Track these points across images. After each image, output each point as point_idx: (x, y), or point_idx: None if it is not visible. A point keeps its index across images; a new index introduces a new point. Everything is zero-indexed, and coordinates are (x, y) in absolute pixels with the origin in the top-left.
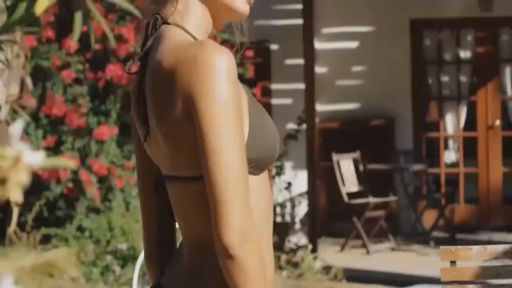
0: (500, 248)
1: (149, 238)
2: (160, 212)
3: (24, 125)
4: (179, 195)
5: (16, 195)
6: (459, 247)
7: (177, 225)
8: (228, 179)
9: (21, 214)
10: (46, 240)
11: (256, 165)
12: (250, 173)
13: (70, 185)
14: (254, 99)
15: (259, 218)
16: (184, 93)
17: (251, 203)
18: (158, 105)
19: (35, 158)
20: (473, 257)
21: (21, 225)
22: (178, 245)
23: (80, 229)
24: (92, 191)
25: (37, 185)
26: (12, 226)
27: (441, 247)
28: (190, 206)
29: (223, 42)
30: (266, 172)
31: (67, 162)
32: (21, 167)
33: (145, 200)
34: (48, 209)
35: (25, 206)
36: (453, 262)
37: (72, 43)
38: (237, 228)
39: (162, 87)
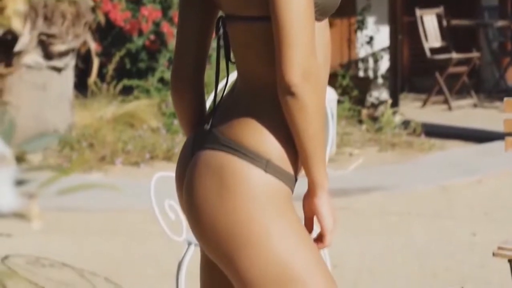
0: None
1: (184, 55)
2: (202, 36)
3: None
4: (241, 36)
5: (15, 23)
6: None
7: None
8: (295, 20)
9: (103, 66)
10: (127, 91)
11: (320, 10)
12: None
13: (152, 37)
14: None
15: (319, 64)
16: None
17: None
18: None
19: None
20: None
21: (103, 77)
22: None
23: (162, 80)
24: (174, 43)
25: (119, 37)
26: (93, 77)
27: (505, 98)
28: (253, 48)
29: None
30: (327, 20)
31: None
32: None
33: (188, 20)
34: (130, 61)
35: (107, 58)
36: None
37: None
38: (300, 67)
39: None
